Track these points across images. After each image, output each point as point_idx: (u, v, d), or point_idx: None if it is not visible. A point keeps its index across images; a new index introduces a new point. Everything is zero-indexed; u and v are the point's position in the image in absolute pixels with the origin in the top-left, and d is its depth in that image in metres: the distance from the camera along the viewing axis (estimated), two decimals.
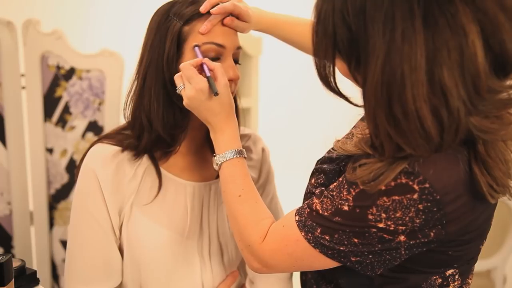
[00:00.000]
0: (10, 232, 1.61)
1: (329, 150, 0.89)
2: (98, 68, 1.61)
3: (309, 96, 4.10)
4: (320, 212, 0.74)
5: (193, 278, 0.95)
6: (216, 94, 0.82)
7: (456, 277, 0.78)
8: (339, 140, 0.82)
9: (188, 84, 0.83)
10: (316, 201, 0.76)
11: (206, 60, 0.86)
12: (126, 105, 0.94)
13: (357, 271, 0.75)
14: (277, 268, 0.82)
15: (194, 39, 0.88)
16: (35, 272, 0.96)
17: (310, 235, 0.75)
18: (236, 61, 0.93)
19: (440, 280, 0.76)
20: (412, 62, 0.62)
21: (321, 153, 0.89)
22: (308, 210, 0.76)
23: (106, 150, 0.92)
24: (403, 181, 0.67)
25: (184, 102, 0.85)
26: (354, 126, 0.93)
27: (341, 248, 0.73)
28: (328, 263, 0.76)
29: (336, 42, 0.69)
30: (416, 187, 0.66)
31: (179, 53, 0.89)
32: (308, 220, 0.75)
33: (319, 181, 0.83)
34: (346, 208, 0.71)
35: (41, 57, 1.59)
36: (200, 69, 0.85)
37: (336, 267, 0.77)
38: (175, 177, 0.95)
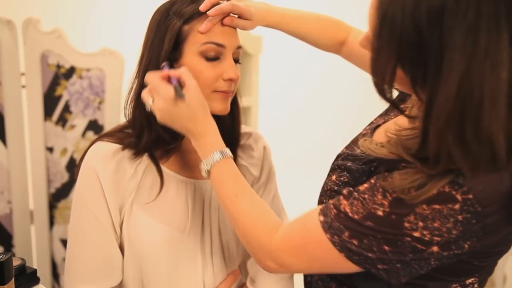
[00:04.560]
0: (10, 231, 1.61)
1: (349, 146, 0.85)
2: (98, 67, 1.61)
3: (309, 95, 4.10)
4: (350, 214, 0.69)
5: (194, 276, 0.95)
6: (182, 96, 0.79)
7: (476, 286, 0.75)
8: (365, 139, 0.77)
9: (157, 95, 0.82)
10: (345, 202, 0.71)
11: (171, 71, 0.84)
12: (127, 104, 0.94)
13: (377, 277, 0.71)
14: (293, 268, 0.78)
15: (194, 38, 0.88)
16: (35, 271, 0.96)
17: (336, 237, 0.70)
18: (236, 61, 0.93)
19: None
20: (494, 82, 0.56)
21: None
22: (335, 211, 0.71)
23: (107, 148, 0.92)
24: (446, 190, 0.63)
25: (158, 117, 0.83)
26: (381, 115, 0.88)
27: (369, 255, 0.68)
28: (350, 268, 0.72)
29: (401, 49, 0.62)
30: (459, 197, 0.63)
31: (178, 52, 0.89)
32: (335, 221, 0.70)
33: (342, 179, 0.79)
34: (380, 213, 0.67)
35: (41, 56, 1.58)
36: (169, 82, 0.83)
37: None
38: (176, 175, 0.95)
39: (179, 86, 0.81)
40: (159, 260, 0.92)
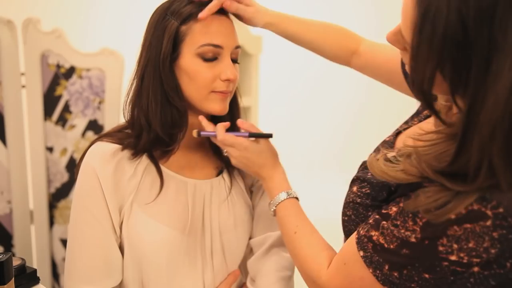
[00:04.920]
0: (10, 231, 1.61)
1: (371, 155, 0.83)
2: (98, 67, 1.61)
3: (309, 95, 4.11)
4: (385, 245, 0.67)
5: (194, 276, 0.95)
6: (271, 135, 0.95)
7: None
8: (378, 158, 0.72)
9: (232, 148, 0.93)
10: (376, 233, 0.69)
11: (240, 123, 0.97)
12: (126, 104, 0.95)
13: None
14: None
15: (192, 39, 0.88)
16: (35, 270, 0.96)
17: (378, 272, 0.68)
18: (234, 61, 0.93)
19: None
20: None
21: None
22: (371, 244, 0.69)
23: (106, 148, 0.92)
24: (475, 207, 0.60)
25: (233, 163, 0.95)
26: (406, 122, 0.87)
27: (412, 286, 0.66)
28: None
29: (444, 49, 0.57)
30: (489, 212, 0.59)
31: (176, 53, 0.89)
32: (375, 255, 0.69)
33: (363, 190, 0.78)
34: (413, 239, 0.64)
35: (41, 56, 1.58)
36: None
37: None
38: (176, 175, 0.95)
39: (255, 134, 0.95)
40: (159, 260, 0.92)
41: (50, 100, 1.62)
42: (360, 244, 0.71)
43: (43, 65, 1.60)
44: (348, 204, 0.80)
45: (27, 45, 1.57)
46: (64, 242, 1.70)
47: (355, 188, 0.79)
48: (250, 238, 1.05)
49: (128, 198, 0.91)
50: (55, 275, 1.72)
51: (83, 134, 1.64)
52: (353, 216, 0.79)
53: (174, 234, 0.92)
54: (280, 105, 3.86)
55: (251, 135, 0.94)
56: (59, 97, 1.62)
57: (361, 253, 0.71)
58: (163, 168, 0.94)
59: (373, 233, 0.69)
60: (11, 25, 1.53)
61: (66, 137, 1.64)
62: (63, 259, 1.63)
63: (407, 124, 0.88)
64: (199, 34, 0.88)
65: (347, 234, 0.81)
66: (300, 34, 1.03)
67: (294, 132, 4.00)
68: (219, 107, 0.92)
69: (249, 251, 1.05)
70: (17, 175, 1.59)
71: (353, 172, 0.84)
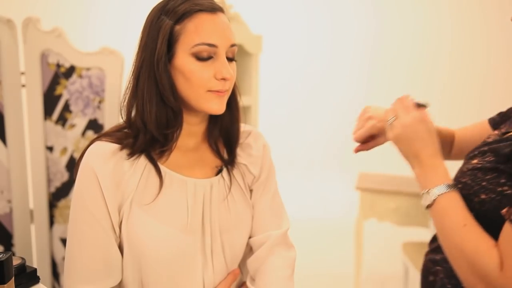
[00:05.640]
0: (10, 230, 1.61)
1: (481, 145, 0.88)
2: (98, 66, 1.61)
3: (309, 94, 4.11)
4: None
5: (194, 275, 0.95)
6: (427, 104, 0.90)
7: None
8: None
9: (406, 114, 0.90)
10: None
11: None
12: (122, 105, 0.94)
13: None
14: None
15: (186, 38, 0.87)
16: (35, 270, 0.96)
17: None
18: (231, 59, 0.93)
19: None
20: None
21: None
22: None
23: (105, 148, 0.92)
24: None
25: (395, 132, 0.91)
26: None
27: None
28: None
29: None
30: None
31: (171, 53, 0.88)
32: None
33: (486, 159, 0.80)
34: None
35: (41, 55, 1.58)
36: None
37: None
38: (176, 174, 0.95)
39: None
40: (159, 260, 0.92)
41: (50, 100, 1.62)
42: None
43: (43, 64, 1.60)
44: (465, 173, 0.83)
45: (27, 44, 1.57)
46: (64, 241, 1.70)
47: (475, 161, 0.83)
48: (250, 237, 1.05)
49: (127, 198, 0.91)
50: (55, 274, 1.72)
51: (83, 133, 1.64)
52: (469, 181, 0.82)
53: (174, 234, 0.92)
54: (280, 105, 3.87)
55: (422, 104, 0.92)
56: (59, 97, 1.62)
57: None
58: (162, 167, 0.94)
59: None
60: (11, 24, 1.53)
61: (66, 136, 1.64)
62: (63, 259, 1.63)
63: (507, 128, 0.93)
64: (193, 34, 0.87)
65: None
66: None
67: (294, 131, 4.00)
68: (216, 106, 0.91)
69: (249, 250, 1.05)
70: (17, 174, 1.59)
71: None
